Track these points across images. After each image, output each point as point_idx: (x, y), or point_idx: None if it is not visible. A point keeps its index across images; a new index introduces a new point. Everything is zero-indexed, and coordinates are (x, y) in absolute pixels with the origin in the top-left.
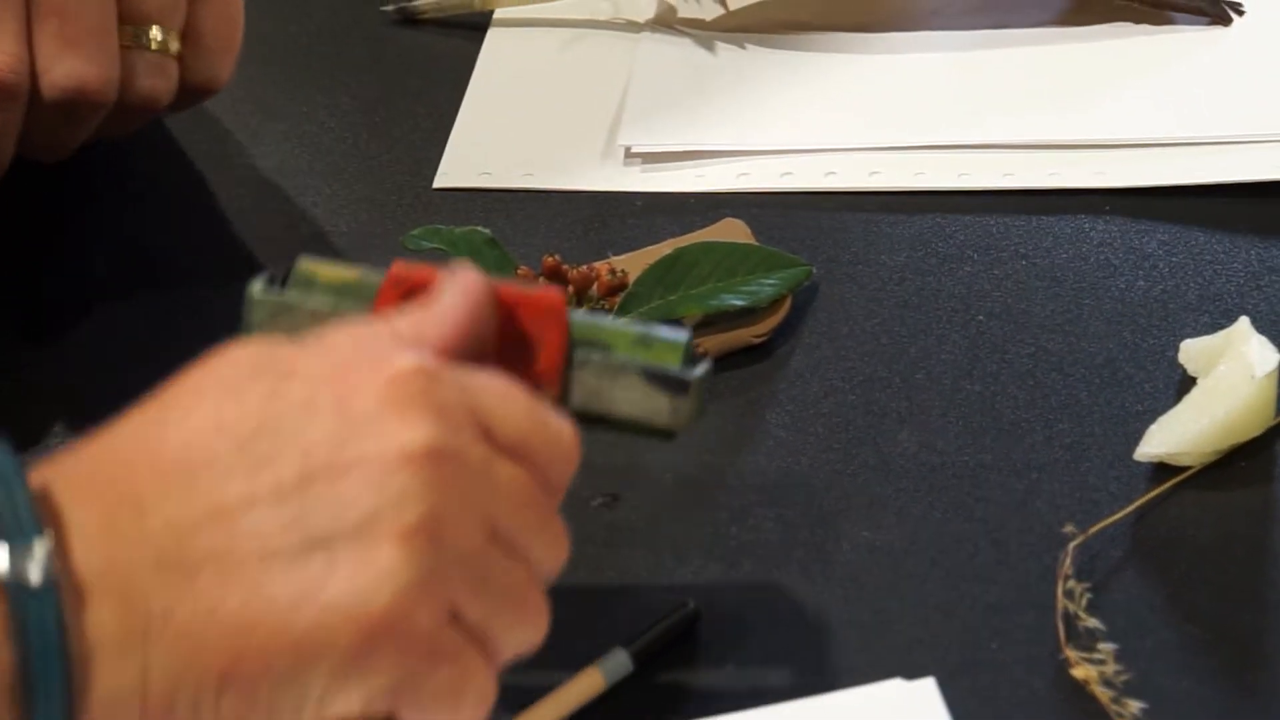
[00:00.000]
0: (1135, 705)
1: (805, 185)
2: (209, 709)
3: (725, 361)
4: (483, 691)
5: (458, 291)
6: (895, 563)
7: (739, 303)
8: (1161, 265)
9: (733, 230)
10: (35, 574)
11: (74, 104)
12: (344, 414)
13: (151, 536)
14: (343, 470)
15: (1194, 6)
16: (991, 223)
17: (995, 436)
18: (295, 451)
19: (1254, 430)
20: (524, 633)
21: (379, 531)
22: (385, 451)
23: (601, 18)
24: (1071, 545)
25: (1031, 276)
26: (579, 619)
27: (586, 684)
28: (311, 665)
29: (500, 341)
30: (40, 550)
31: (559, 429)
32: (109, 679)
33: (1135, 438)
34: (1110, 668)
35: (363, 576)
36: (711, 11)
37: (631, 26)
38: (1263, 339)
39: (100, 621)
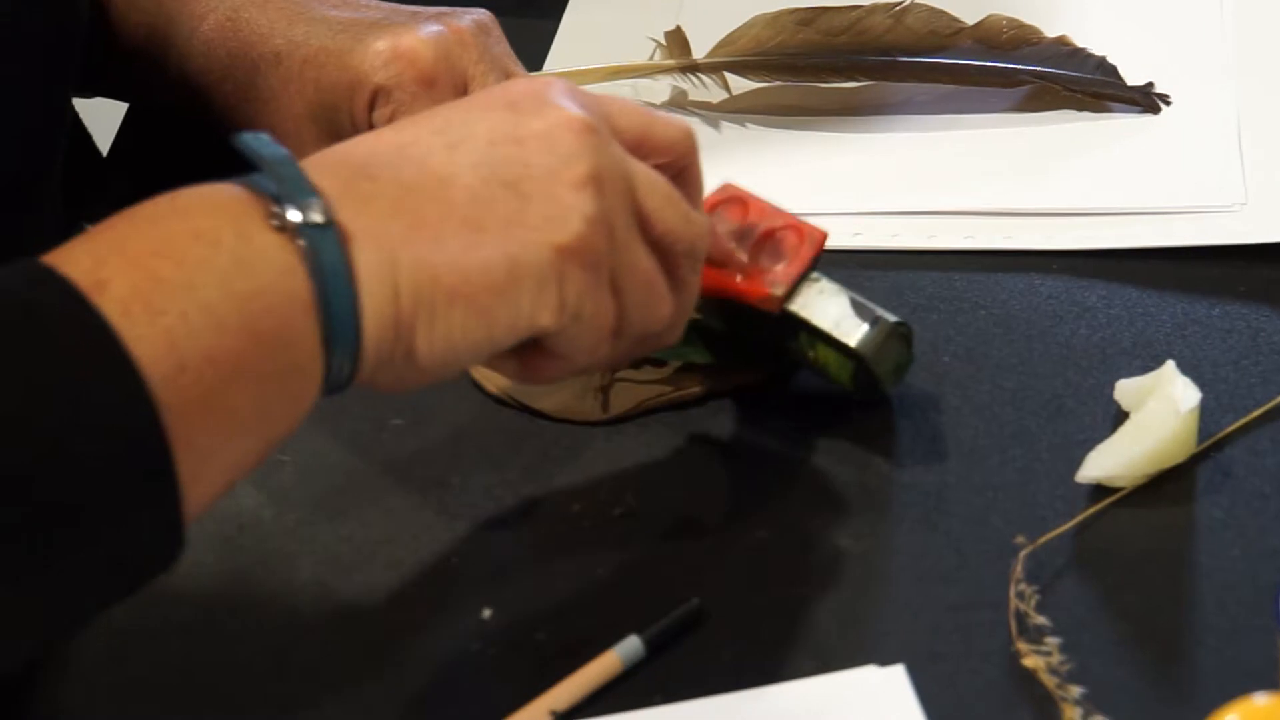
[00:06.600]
0: (1076, 690)
1: None
2: (442, 318)
3: (728, 400)
4: (613, 328)
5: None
6: (872, 568)
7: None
8: (1100, 316)
9: None
10: (318, 216)
11: None
12: (516, 109)
13: (384, 193)
14: (520, 140)
15: (1128, 97)
16: (956, 278)
17: (957, 460)
18: (482, 130)
19: (1178, 458)
20: (652, 308)
21: (558, 180)
22: (553, 124)
23: None
24: (1022, 554)
25: (990, 325)
26: (600, 611)
27: (606, 665)
28: (523, 280)
29: (761, 240)
30: (318, 201)
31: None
32: (375, 300)
33: (1076, 463)
34: (1055, 659)
35: (553, 211)
36: (717, 96)
37: (649, 107)
38: (1186, 380)
39: (365, 260)
